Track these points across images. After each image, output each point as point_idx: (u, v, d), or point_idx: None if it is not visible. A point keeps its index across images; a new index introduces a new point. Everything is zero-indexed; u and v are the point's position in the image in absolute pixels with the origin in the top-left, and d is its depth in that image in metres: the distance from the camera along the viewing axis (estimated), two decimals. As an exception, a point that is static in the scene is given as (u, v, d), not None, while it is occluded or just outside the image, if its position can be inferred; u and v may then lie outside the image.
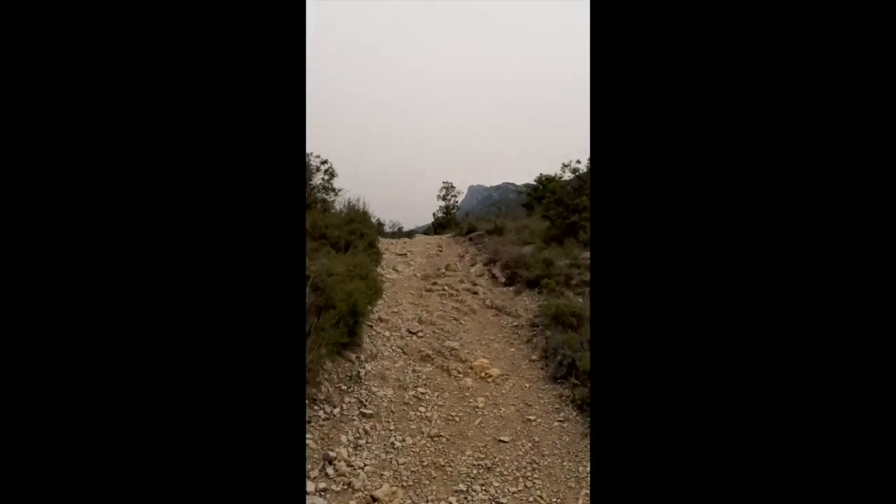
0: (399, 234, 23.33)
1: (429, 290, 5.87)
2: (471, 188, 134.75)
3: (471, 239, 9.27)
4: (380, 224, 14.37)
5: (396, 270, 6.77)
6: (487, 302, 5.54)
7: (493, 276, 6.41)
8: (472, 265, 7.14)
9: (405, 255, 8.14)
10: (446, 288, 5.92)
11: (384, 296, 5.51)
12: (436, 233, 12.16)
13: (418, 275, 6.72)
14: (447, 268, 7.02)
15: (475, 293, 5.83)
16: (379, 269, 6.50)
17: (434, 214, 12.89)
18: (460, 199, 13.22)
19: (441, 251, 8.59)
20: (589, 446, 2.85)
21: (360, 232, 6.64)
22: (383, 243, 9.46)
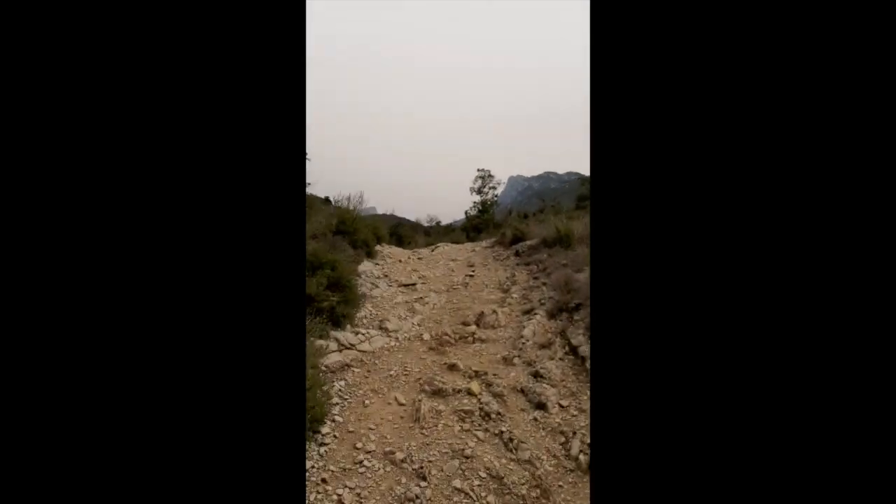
0: (437, 228, 20.27)
1: (436, 396, 2.64)
2: (511, 178, 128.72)
3: (518, 253, 5.94)
4: (397, 225, 11.27)
5: (385, 330, 3.58)
6: (579, 448, 2.23)
7: (573, 351, 3.07)
8: (527, 313, 3.83)
9: (413, 285, 4.96)
10: (474, 391, 2.68)
11: (333, 419, 2.36)
12: (468, 238, 8.88)
13: (427, 336, 3.52)
14: (480, 320, 3.76)
15: (541, 406, 2.54)
16: (351, 334, 3.35)
17: (466, 213, 9.63)
18: (500, 190, 10.07)
19: (473, 275, 5.33)
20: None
21: (319, 261, 3.51)
22: (391, 259, 6.36)
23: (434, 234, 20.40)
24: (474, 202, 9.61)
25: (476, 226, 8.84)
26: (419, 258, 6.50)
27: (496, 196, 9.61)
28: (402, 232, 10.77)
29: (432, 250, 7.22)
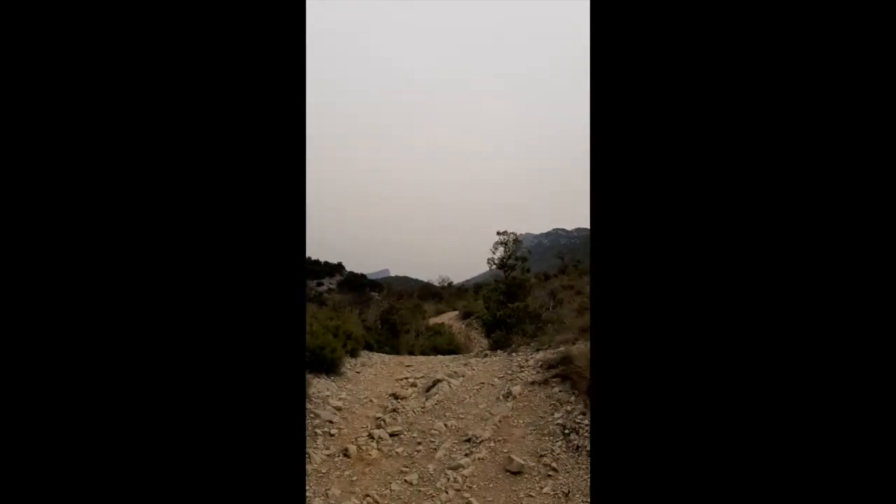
0: (449, 289, 16.39)
1: None
2: (520, 236, 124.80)
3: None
4: (389, 311, 7.74)
5: None
6: None
7: None
8: None
9: None
10: None
11: None
12: (490, 339, 5.21)
13: None
14: None
15: None
16: None
17: (486, 301, 6.06)
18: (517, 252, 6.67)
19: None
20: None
21: None
22: (327, 437, 2.78)
23: (446, 296, 16.87)
24: (496, 281, 6.04)
25: (502, 320, 5.26)
26: (392, 434, 2.87)
27: (527, 270, 6.10)
28: (396, 318, 7.16)
29: (428, 390, 3.60)
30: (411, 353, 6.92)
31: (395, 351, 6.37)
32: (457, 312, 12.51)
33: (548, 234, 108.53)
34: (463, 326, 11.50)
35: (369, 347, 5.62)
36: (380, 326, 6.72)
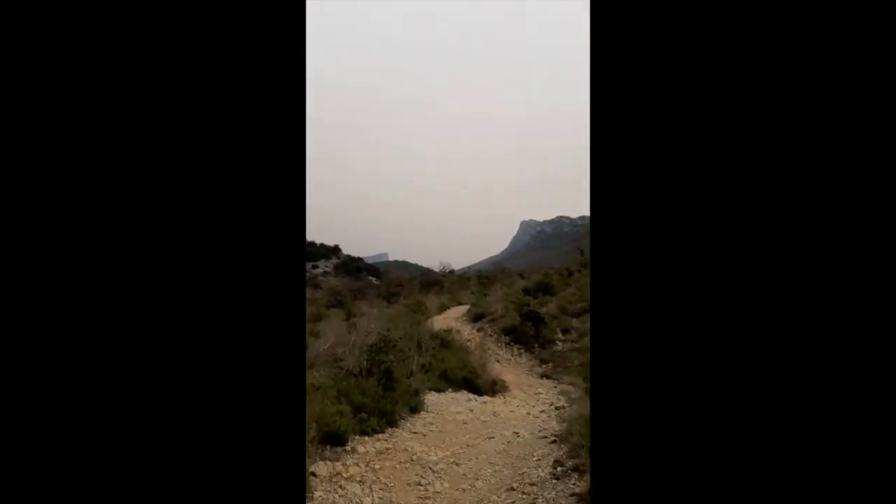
0: (450, 277, 14.35)
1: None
2: (523, 223, 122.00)
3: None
4: (377, 350, 5.18)
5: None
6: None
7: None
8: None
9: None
10: None
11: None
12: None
13: None
14: None
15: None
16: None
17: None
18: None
19: None
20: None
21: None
22: None
23: (447, 284, 14.61)
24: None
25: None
26: None
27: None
28: (390, 361, 4.52)
29: None
30: (414, 408, 4.39)
31: (390, 420, 3.86)
32: (464, 310, 10.19)
33: (552, 222, 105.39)
34: (475, 332, 9.13)
35: (339, 441, 3.11)
36: (366, 372, 4.20)
